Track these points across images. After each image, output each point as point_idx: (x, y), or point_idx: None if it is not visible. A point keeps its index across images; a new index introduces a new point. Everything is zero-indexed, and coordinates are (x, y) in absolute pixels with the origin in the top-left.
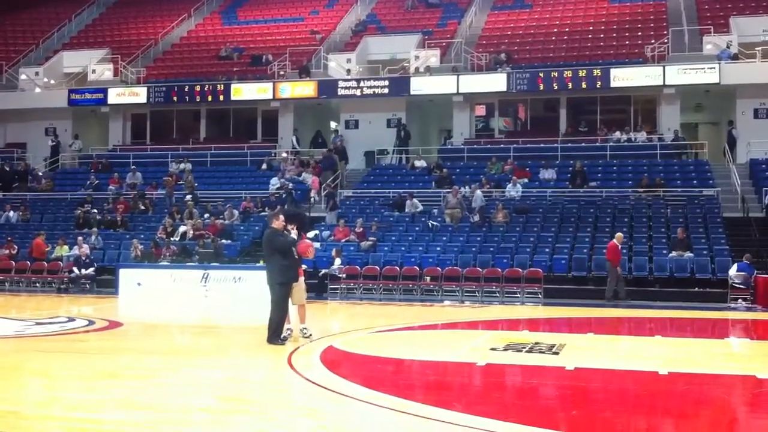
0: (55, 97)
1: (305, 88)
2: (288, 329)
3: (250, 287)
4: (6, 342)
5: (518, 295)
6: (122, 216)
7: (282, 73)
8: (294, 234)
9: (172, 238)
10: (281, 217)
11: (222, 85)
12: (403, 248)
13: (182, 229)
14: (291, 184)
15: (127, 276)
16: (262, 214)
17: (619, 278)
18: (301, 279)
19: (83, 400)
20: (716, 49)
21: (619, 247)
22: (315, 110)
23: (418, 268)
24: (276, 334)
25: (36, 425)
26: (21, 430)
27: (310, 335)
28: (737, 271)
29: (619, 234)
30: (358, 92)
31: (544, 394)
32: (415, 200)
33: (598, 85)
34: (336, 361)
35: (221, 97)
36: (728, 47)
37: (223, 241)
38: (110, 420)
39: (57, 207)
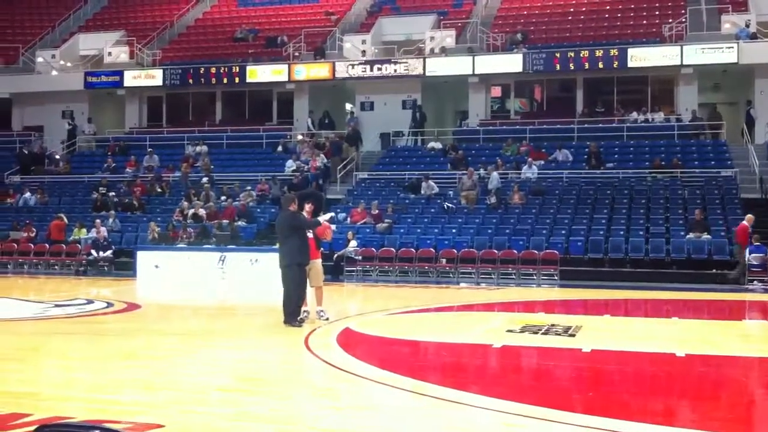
0: (71, 80)
1: (320, 70)
2: (305, 311)
3: (266, 269)
4: (25, 324)
5: (534, 277)
6: (139, 198)
7: (297, 54)
8: (307, 213)
9: (188, 220)
10: (296, 200)
11: (237, 67)
12: (418, 230)
13: (191, 211)
14: (306, 166)
15: (144, 258)
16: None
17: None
18: (318, 261)
19: (102, 382)
20: (735, 28)
21: (750, 229)
22: (330, 92)
23: (433, 250)
24: (293, 315)
25: (56, 406)
26: (41, 411)
27: (327, 317)
28: (750, 253)
29: (749, 216)
30: (373, 74)
31: (560, 375)
32: (430, 182)
33: (614, 65)
34: (352, 342)
35: (237, 80)
36: (747, 26)
37: (240, 223)
38: (129, 401)
39: (74, 190)
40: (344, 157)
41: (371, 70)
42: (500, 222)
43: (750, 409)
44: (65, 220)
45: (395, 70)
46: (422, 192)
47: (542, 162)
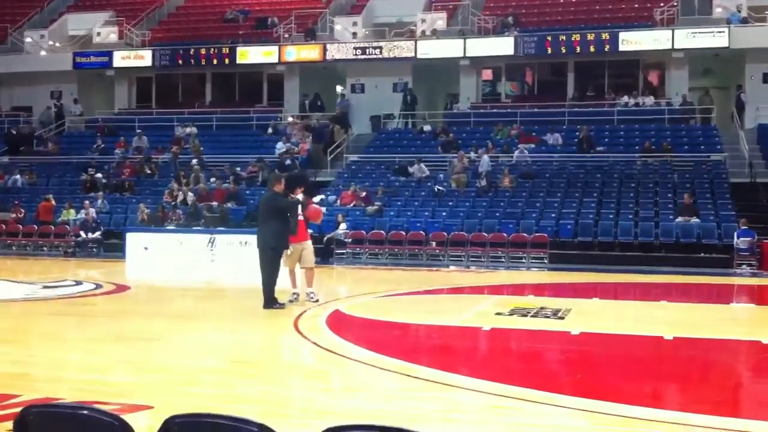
0: (60, 61)
1: (311, 52)
2: (294, 293)
3: (256, 251)
4: (14, 305)
5: (524, 261)
6: (129, 180)
7: (287, 36)
8: (299, 197)
9: (177, 202)
10: (282, 181)
11: (227, 49)
12: (408, 213)
13: (181, 194)
14: (296, 148)
15: (134, 240)
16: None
17: None
18: (309, 242)
19: (92, 363)
20: (726, 12)
21: None
22: (321, 74)
23: (423, 233)
24: (271, 298)
25: (45, 387)
26: (30, 392)
27: (317, 299)
28: (738, 237)
29: None
30: (364, 56)
31: (548, 358)
32: (422, 165)
33: (606, 49)
34: (342, 325)
35: (227, 61)
36: (738, 11)
37: (229, 205)
38: (118, 382)
39: (63, 171)
40: (334, 140)
41: (362, 52)
42: (490, 205)
43: (737, 392)
44: (53, 201)
45: (386, 53)
46: (413, 174)
47: (533, 145)
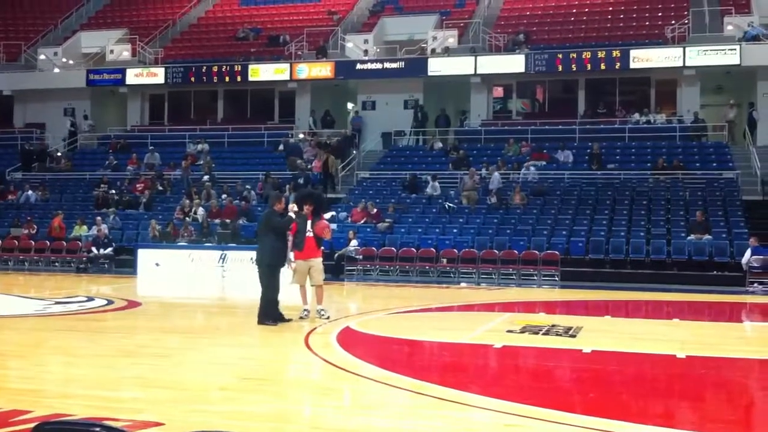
0: (73, 78)
1: (322, 69)
2: (305, 309)
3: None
4: (26, 321)
5: (535, 278)
6: (149, 195)
7: (299, 53)
8: (292, 213)
9: (187, 218)
10: (283, 199)
11: (239, 66)
12: (419, 230)
13: (201, 212)
14: (310, 165)
15: (145, 256)
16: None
17: None
18: (319, 260)
19: (103, 379)
20: (737, 30)
21: None
22: (332, 91)
23: (434, 250)
24: (266, 315)
25: (56, 403)
26: (41, 408)
27: (328, 316)
28: (752, 255)
29: None
30: (375, 73)
31: (560, 376)
32: (435, 183)
33: (617, 67)
34: (352, 341)
35: (238, 78)
36: (750, 26)
37: (240, 221)
38: (129, 398)
39: (76, 187)
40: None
41: (373, 69)
42: (501, 222)
43: (750, 411)
44: (61, 218)
45: (397, 70)
46: (427, 192)
47: (544, 162)
